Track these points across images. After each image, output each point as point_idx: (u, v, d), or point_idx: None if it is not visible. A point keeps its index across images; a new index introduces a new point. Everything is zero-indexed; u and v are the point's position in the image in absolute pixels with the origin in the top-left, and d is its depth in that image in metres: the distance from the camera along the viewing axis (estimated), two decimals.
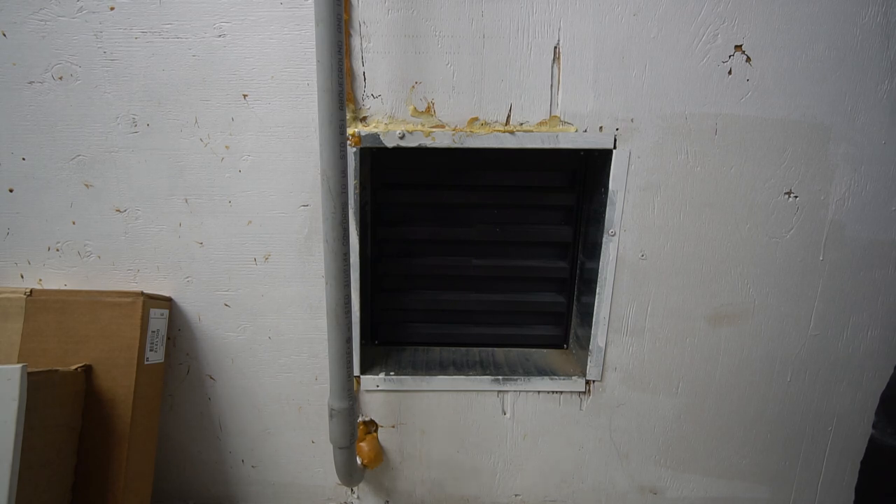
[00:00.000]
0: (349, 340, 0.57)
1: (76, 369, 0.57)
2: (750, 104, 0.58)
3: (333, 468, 0.63)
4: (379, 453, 0.70)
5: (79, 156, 0.62)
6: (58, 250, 0.65)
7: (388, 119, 0.60)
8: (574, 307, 0.75)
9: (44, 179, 0.63)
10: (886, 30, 0.56)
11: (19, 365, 0.48)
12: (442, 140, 0.59)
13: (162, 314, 0.63)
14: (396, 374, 0.68)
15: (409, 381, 0.68)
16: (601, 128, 0.59)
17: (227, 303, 0.67)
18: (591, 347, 0.67)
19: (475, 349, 0.77)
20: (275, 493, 0.75)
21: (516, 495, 0.74)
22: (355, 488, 0.74)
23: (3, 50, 0.59)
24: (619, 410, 0.69)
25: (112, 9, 0.57)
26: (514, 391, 0.68)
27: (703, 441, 0.70)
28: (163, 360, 0.64)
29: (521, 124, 0.59)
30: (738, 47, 0.57)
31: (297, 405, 0.70)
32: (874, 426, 0.59)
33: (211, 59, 0.58)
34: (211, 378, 0.70)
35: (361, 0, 0.56)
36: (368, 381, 0.68)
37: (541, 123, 0.59)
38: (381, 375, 0.68)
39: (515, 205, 0.71)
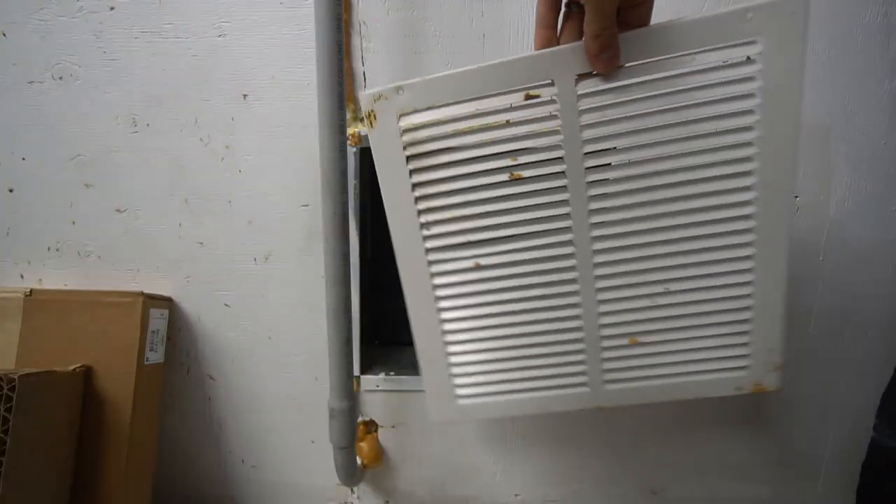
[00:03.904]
0: (349, 340, 0.57)
1: (75, 370, 0.57)
2: None
3: (333, 468, 0.63)
4: (379, 453, 0.70)
5: (79, 156, 0.62)
6: (58, 250, 0.65)
7: None
8: None
9: (44, 179, 0.63)
10: (886, 30, 0.56)
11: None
12: None
13: (162, 314, 0.63)
14: (396, 374, 0.68)
15: (410, 381, 0.68)
16: None
17: (227, 303, 0.67)
18: None
19: None
20: (275, 493, 0.75)
21: (516, 495, 0.74)
22: (355, 488, 0.74)
23: (3, 50, 0.59)
24: (618, 410, 0.69)
25: (112, 9, 0.57)
26: None
27: (703, 441, 0.70)
28: (163, 361, 0.64)
29: None
30: None
31: (297, 405, 0.70)
32: (874, 428, 0.59)
33: (211, 59, 0.58)
34: (211, 378, 0.70)
35: (361, 0, 0.56)
36: (368, 381, 0.68)
37: None
38: (381, 375, 0.68)
39: None
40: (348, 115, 0.59)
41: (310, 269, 0.65)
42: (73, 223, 0.64)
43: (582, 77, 0.39)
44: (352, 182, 0.60)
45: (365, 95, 0.43)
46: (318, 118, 0.51)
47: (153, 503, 0.65)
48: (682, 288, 0.44)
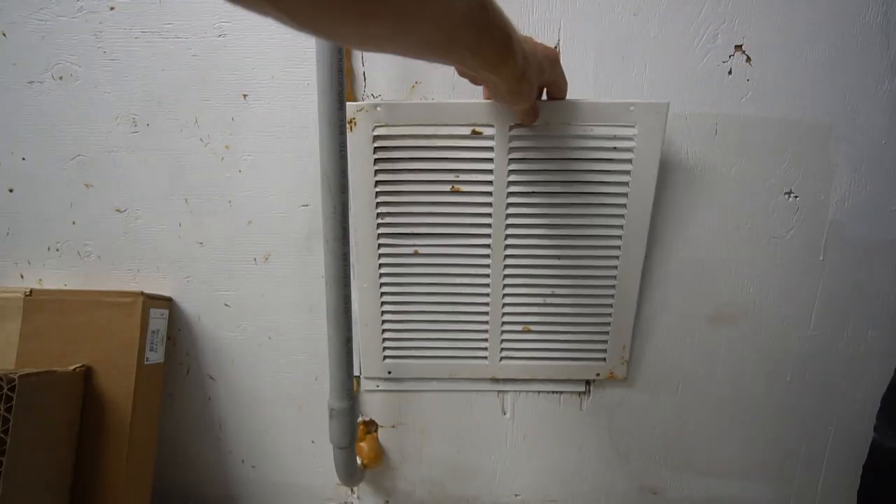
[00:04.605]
0: (349, 340, 0.57)
1: (75, 369, 0.57)
2: (750, 104, 0.58)
3: (333, 468, 0.63)
4: (379, 453, 0.70)
5: (79, 156, 0.62)
6: (58, 250, 0.65)
7: None
8: None
9: (44, 179, 0.63)
10: (886, 30, 0.56)
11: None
12: None
13: (162, 314, 0.63)
14: (396, 373, 0.68)
15: (409, 381, 0.68)
16: None
17: (227, 303, 0.67)
18: None
19: None
20: (275, 493, 0.75)
21: (516, 495, 0.74)
22: (355, 488, 0.74)
23: (3, 50, 0.59)
24: (619, 410, 0.69)
25: (112, 9, 0.57)
26: (514, 391, 0.68)
27: (703, 441, 0.70)
28: (163, 360, 0.64)
29: None
30: (738, 47, 0.57)
31: (297, 405, 0.70)
32: (875, 429, 0.59)
33: (211, 59, 0.58)
34: (211, 378, 0.69)
35: None
36: (368, 381, 0.68)
37: None
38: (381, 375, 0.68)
39: None
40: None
41: (310, 269, 0.65)
42: (73, 223, 0.64)
43: (514, 126, 0.53)
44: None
45: (350, 105, 0.52)
46: (318, 118, 0.51)
47: (153, 503, 0.65)
48: (565, 293, 0.60)
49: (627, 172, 0.54)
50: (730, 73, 0.57)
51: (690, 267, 0.63)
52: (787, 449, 0.70)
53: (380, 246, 0.59)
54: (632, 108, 0.52)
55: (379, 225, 0.58)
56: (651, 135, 0.53)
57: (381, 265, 0.60)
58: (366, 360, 0.64)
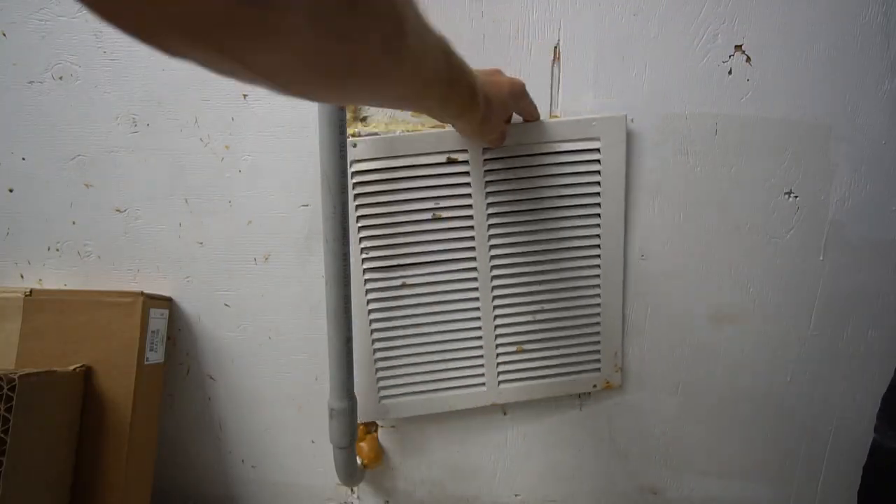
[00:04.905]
0: (349, 340, 0.57)
1: (75, 369, 0.57)
2: (750, 104, 0.58)
3: (333, 468, 0.63)
4: (379, 453, 0.70)
5: (79, 156, 0.62)
6: (58, 250, 0.65)
7: (388, 119, 0.60)
8: None
9: (44, 179, 0.63)
10: (886, 30, 0.56)
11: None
12: None
13: (162, 314, 0.63)
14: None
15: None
16: None
17: (227, 303, 0.67)
18: None
19: None
20: (275, 493, 0.75)
21: (516, 495, 0.74)
22: (355, 488, 0.74)
23: (3, 50, 0.59)
24: (618, 411, 0.69)
25: None
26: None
27: (703, 441, 0.70)
28: (163, 361, 0.64)
29: None
30: (738, 47, 0.57)
31: (297, 405, 0.70)
32: (875, 430, 0.59)
33: None
34: (211, 378, 0.69)
35: None
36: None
37: None
38: None
39: None
40: (348, 115, 0.59)
41: (310, 269, 0.65)
42: (73, 223, 0.64)
43: (487, 149, 0.55)
44: (351, 182, 0.60)
45: None
46: (318, 118, 0.51)
47: (153, 503, 0.65)
48: (553, 307, 0.61)
49: (597, 183, 0.57)
50: (730, 73, 0.57)
51: (690, 267, 0.63)
52: (787, 449, 0.70)
53: (366, 282, 0.59)
54: (594, 122, 0.55)
55: (364, 260, 0.58)
56: (615, 145, 0.56)
57: (369, 301, 0.59)
58: (362, 402, 0.62)
